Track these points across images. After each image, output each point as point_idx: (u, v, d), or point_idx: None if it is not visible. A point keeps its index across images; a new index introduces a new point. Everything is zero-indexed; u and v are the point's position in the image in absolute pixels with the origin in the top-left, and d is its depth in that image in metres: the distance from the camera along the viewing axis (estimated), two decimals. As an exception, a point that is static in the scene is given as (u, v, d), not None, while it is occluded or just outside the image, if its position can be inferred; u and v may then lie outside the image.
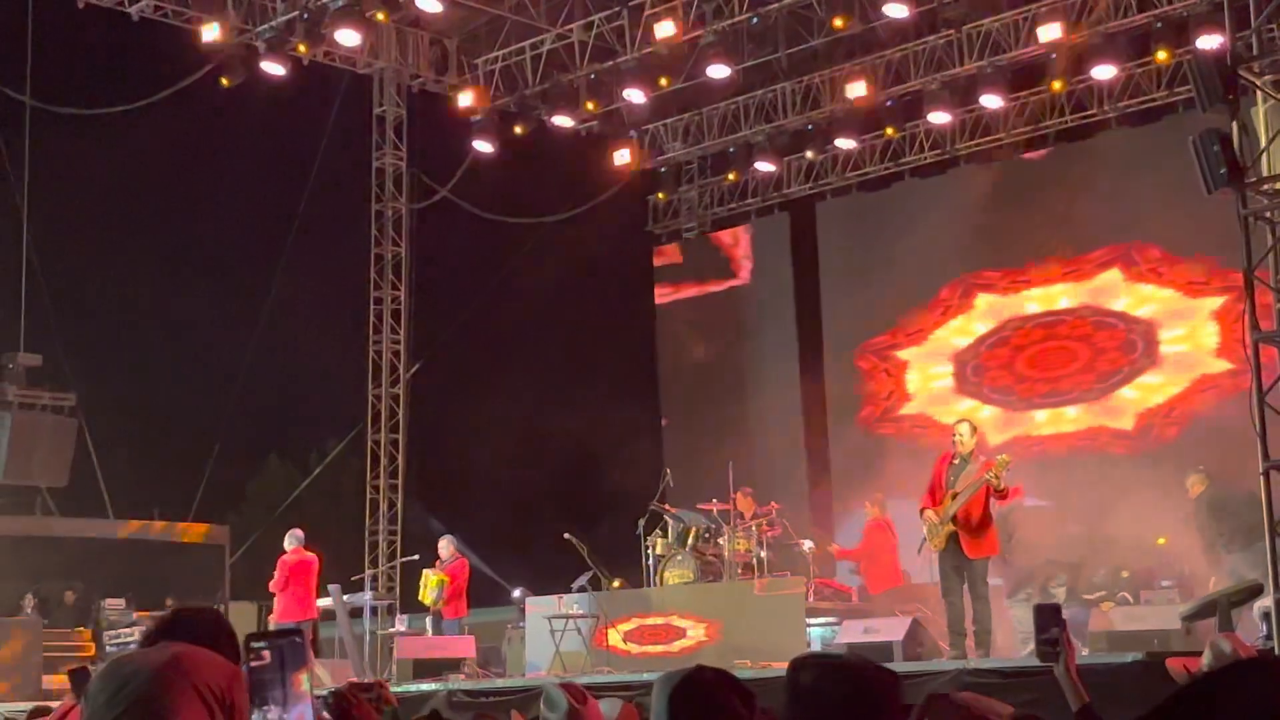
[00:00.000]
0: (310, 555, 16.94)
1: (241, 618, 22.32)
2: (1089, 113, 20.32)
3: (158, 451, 23.89)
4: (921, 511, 12.80)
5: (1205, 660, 5.89)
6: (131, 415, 22.61)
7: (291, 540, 16.92)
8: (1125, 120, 20.07)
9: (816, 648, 14.96)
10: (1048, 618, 4.63)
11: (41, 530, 20.42)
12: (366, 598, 18.55)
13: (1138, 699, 4.63)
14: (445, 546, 17.69)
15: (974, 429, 12.93)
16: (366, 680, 10.55)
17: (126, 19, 18.87)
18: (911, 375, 21.70)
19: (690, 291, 24.42)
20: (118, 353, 23.29)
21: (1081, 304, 20.24)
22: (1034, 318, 20.63)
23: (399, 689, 13.16)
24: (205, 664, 4.02)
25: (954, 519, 12.40)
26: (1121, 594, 15.49)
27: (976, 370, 21.01)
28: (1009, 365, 20.73)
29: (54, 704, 9.73)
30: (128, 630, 18.95)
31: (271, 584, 16.92)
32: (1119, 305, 19.95)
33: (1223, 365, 18.71)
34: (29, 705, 11.11)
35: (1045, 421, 20.28)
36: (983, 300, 21.05)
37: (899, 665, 12.02)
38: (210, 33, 18.79)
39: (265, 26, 19.17)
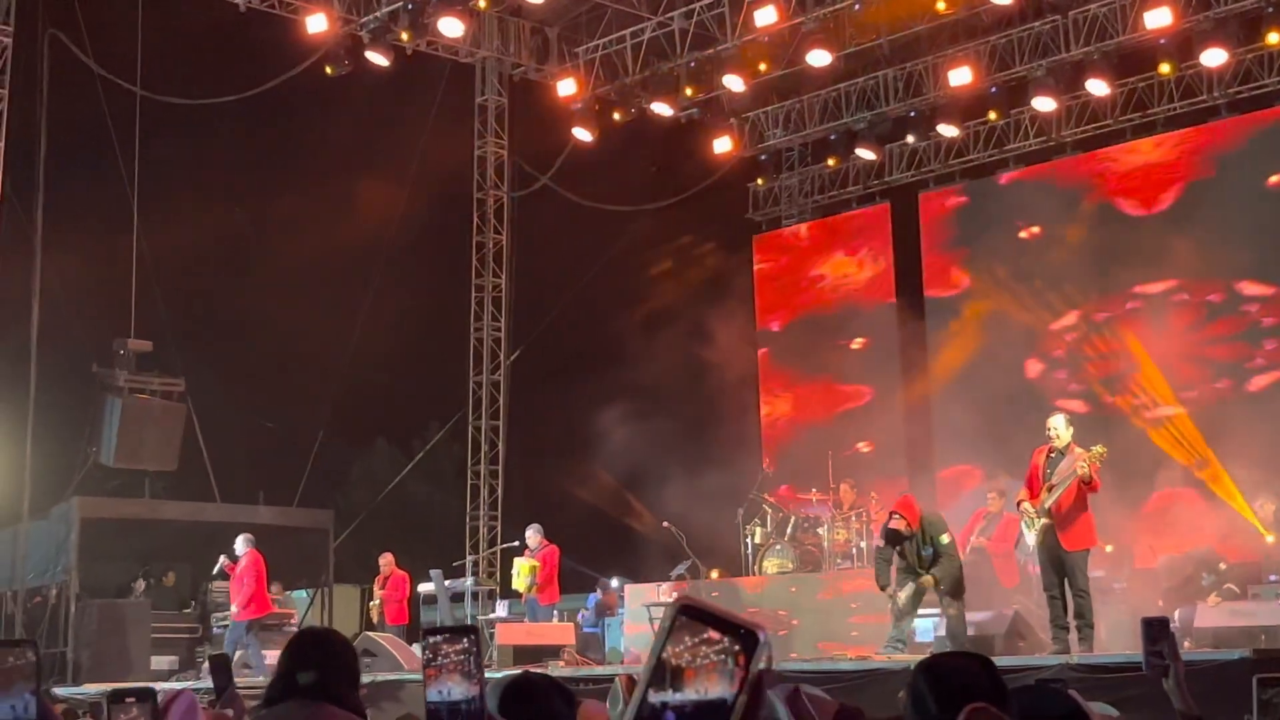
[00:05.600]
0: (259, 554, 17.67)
1: (345, 600, 22.63)
2: (1198, 99, 19.94)
3: (263, 436, 24.16)
4: (1019, 504, 12.75)
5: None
6: (238, 401, 22.85)
7: (244, 544, 17.55)
8: (1235, 106, 19.69)
9: (919, 639, 14.88)
10: (1156, 630, 4.56)
11: (150, 514, 20.77)
12: (468, 583, 18.74)
13: (1244, 697, 4.56)
14: (533, 535, 17.82)
15: (1068, 421, 12.78)
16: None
17: (234, 9, 19.15)
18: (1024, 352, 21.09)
19: (789, 281, 24.26)
20: (225, 339, 23.57)
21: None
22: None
23: (499, 674, 13.24)
24: None
25: (1049, 512, 12.31)
26: (1227, 585, 15.18)
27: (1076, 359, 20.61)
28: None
29: (154, 685, 9.89)
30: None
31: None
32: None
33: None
34: (137, 685, 11.30)
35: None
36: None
37: (1001, 659, 11.92)
38: (316, 23, 19.04)
39: (370, 17, 19.39)
